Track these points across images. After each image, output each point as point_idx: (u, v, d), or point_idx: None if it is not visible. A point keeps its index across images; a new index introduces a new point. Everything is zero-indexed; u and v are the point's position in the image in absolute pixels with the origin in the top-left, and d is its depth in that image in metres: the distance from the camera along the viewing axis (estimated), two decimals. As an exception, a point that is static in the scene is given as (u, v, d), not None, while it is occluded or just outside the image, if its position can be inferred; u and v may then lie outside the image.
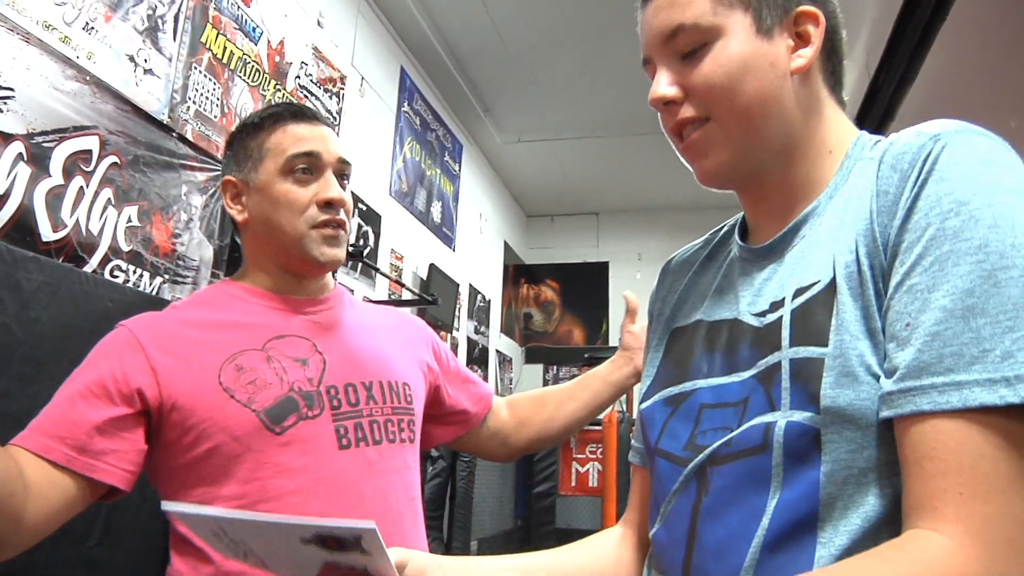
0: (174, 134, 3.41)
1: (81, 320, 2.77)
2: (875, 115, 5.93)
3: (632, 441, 0.99)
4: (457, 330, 7.41)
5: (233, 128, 1.37)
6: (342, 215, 1.31)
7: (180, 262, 3.41)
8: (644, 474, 0.96)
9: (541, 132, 7.89)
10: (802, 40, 0.84)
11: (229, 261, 3.71)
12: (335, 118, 4.91)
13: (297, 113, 1.34)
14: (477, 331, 8.23)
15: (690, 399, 0.82)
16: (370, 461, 1.23)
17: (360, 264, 4.86)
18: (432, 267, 6.57)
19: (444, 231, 7.09)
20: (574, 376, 9.20)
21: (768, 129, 0.82)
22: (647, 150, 8.29)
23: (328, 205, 1.28)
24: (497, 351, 9.02)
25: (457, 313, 7.28)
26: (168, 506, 0.73)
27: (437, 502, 6.27)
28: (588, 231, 10.61)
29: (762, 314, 0.78)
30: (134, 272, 3.14)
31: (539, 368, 10.46)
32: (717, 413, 0.77)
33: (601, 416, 9.65)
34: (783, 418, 0.69)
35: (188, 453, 1.21)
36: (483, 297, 8.44)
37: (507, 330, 9.57)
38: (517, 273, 10.13)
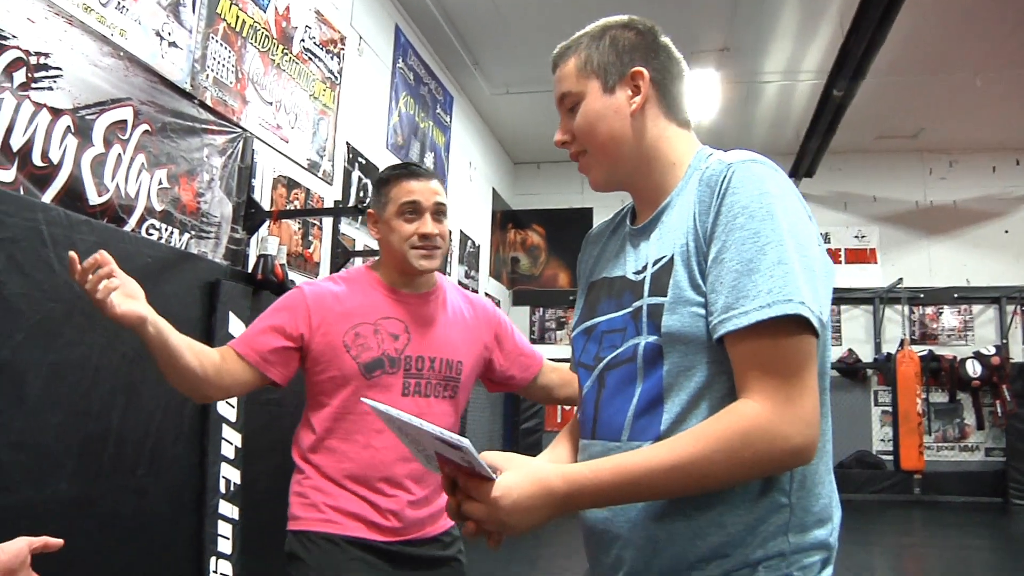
0: (196, 101, 3.72)
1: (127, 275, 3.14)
2: (846, 73, 6.24)
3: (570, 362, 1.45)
4: (449, 275, 7.78)
5: (376, 178, 2.05)
6: (436, 241, 1.92)
7: (204, 219, 3.76)
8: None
9: (528, 84, 8.17)
10: (636, 90, 1.20)
11: (246, 216, 4.06)
12: (337, 78, 5.21)
13: (413, 173, 1.96)
14: (468, 275, 8.61)
15: (596, 328, 1.23)
16: (419, 405, 1.89)
17: (360, 216, 5.19)
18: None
19: (436, 181, 7.40)
20: (559, 319, 9.64)
21: (621, 154, 1.21)
22: (630, 101, 8.56)
23: (424, 236, 1.90)
24: (486, 294, 9.40)
25: (449, 259, 7.65)
26: (368, 401, 1.20)
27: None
28: (573, 178, 10.89)
29: (637, 273, 1.18)
30: (166, 230, 3.48)
31: (526, 310, 10.88)
32: (608, 337, 1.19)
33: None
34: (643, 340, 1.11)
35: (318, 376, 1.90)
36: (473, 243, 8.80)
37: (495, 274, 9.95)
38: (504, 219, 10.46)
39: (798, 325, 0.99)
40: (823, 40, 7.01)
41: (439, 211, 1.94)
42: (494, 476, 1.03)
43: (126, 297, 1.56)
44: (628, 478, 1.01)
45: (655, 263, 1.15)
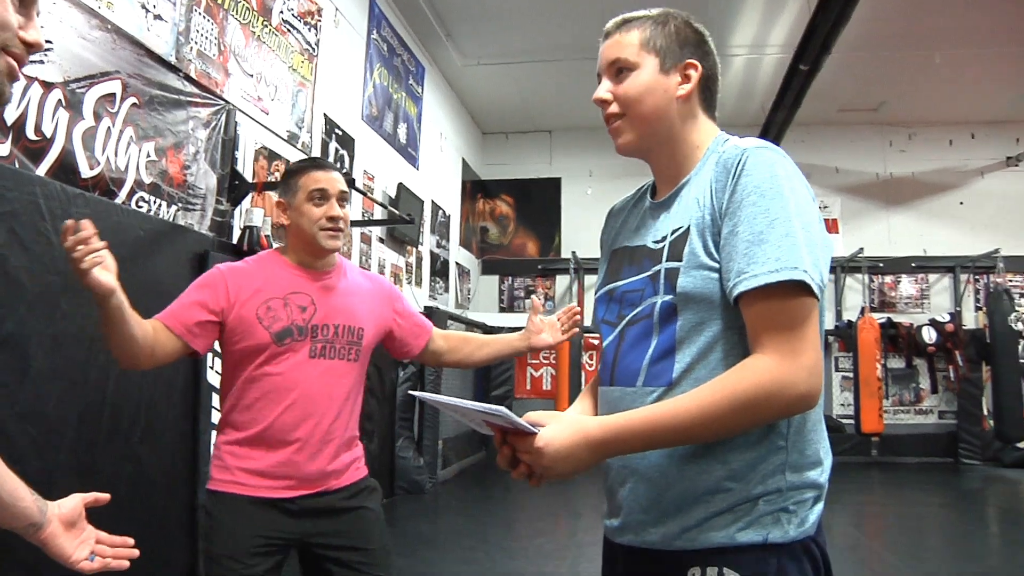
0: (181, 74, 3.74)
1: (119, 248, 3.13)
2: (813, 48, 6.38)
3: (592, 321, 1.60)
4: (421, 244, 7.85)
5: (285, 169, 2.29)
6: (340, 223, 2.16)
7: (190, 191, 3.80)
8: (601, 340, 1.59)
9: (499, 55, 8.22)
10: (687, 79, 1.33)
11: (230, 188, 4.11)
12: (314, 50, 5.23)
13: (319, 165, 2.21)
14: (439, 245, 8.68)
15: (618, 290, 1.36)
16: (325, 367, 2.12)
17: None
18: (400, 186, 6.97)
19: (409, 151, 7.46)
20: (528, 287, 9.77)
21: (657, 127, 1.34)
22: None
23: (330, 219, 2.13)
24: (456, 263, 9.49)
25: (421, 228, 7.72)
26: (415, 393, 1.39)
27: (408, 404, 6.81)
28: (541, 148, 10.99)
29: (657, 242, 1.31)
30: (154, 202, 3.52)
31: (495, 279, 10.98)
32: (629, 296, 1.33)
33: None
34: (660, 300, 1.25)
35: (235, 345, 2.09)
36: (444, 212, 8.86)
37: (465, 243, 10.03)
38: (474, 189, 10.52)
39: (801, 289, 1.14)
40: (790, 15, 7.15)
41: (343, 198, 2.19)
42: (535, 431, 1.18)
43: (103, 269, 1.71)
44: (657, 425, 1.15)
45: (673, 232, 1.28)
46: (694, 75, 1.33)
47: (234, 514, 2.03)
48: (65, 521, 1.27)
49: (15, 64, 0.93)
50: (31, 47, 0.94)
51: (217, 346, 2.17)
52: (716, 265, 1.21)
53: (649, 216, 1.39)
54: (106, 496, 1.36)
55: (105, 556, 1.31)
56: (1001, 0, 6.93)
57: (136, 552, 1.35)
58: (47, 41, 2.94)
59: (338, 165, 5.47)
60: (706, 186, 1.26)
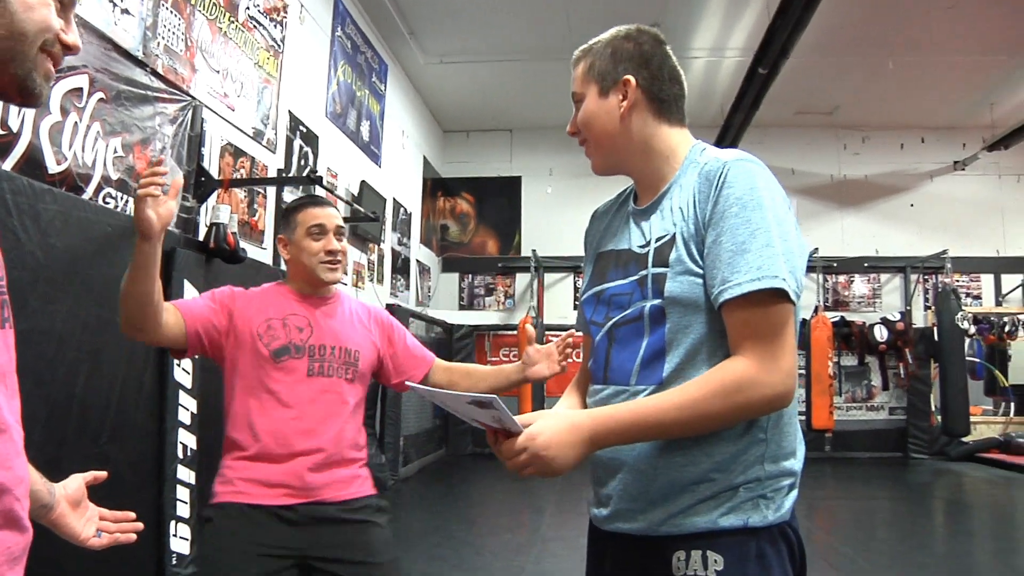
0: (148, 69, 3.71)
1: (88, 244, 3.15)
2: (771, 54, 6.52)
3: (580, 323, 1.57)
4: (383, 242, 7.84)
5: (285, 207, 2.41)
6: (338, 256, 2.28)
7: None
8: (587, 339, 1.54)
9: (461, 54, 8.24)
10: (623, 97, 1.40)
11: (196, 185, 4.08)
12: (280, 46, 5.21)
13: (316, 202, 2.34)
14: (400, 242, 8.68)
15: (605, 293, 1.42)
16: (323, 385, 2.17)
17: (313, 186, 5.23)
18: (363, 183, 6.96)
19: (372, 149, 7.45)
20: (488, 284, 9.79)
21: (613, 147, 1.42)
22: (559, 74, 8.68)
23: (329, 252, 2.25)
24: (417, 261, 9.49)
25: (383, 227, 7.71)
26: (414, 386, 1.42)
27: (369, 401, 6.80)
28: (502, 147, 11.03)
29: (641, 247, 1.37)
30: (122, 199, 3.49)
31: (455, 277, 10.99)
32: (616, 299, 1.38)
33: (515, 321, 10.35)
34: (648, 303, 1.31)
35: (236, 363, 2.18)
36: (405, 210, 8.85)
37: (426, 241, 10.03)
38: (435, 187, 10.51)
39: (780, 296, 1.22)
40: (749, 20, 7.29)
41: (340, 232, 2.31)
42: (521, 428, 1.23)
43: (155, 207, 1.80)
44: (644, 416, 1.23)
45: (658, 239, 1.35)
46: (629, 91, 1.39)
47: (234, 520, 2.06)
48: (71, 501, 1.31)
49: (52, 66, 0.95)
50: (69, 49, 0.97)
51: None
52: (701, 271, 1.27)
53: (632, 221, 1.45)
54: (103, 474, 1.40)
55: (111, 531, 1.35)
56: (952, 10, 7.14)
57: (140, 525, 1.40)
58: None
59: (307, 167, 5.46)
60: (689, 196, 1.32)
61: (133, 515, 1.39)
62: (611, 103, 1.40)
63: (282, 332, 2.18)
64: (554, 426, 1.22)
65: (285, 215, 2.37)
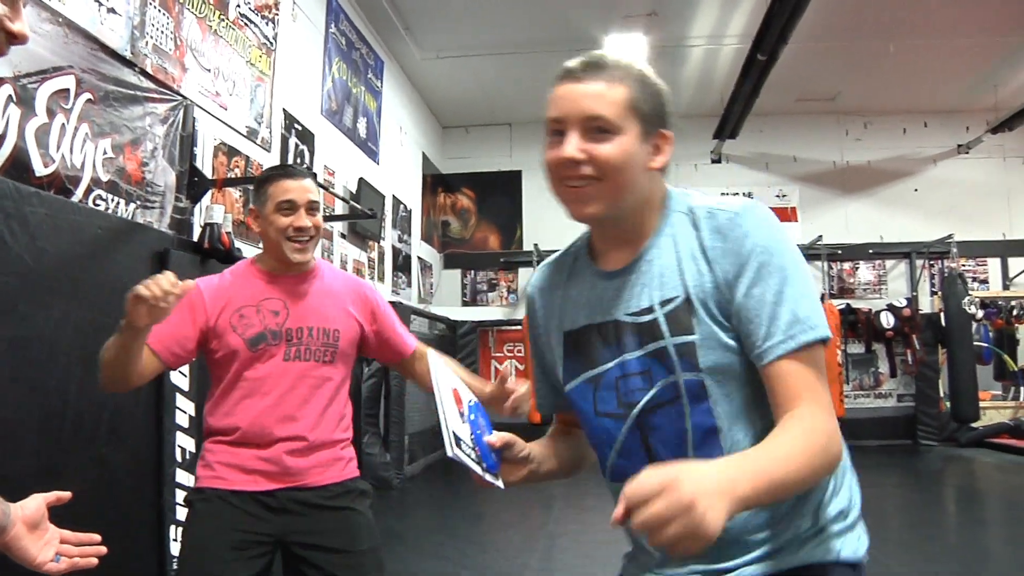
0: (136, 69, 3.66)
1: (78, 247, 3.11)
2: (770, 38, 6.45)
3: (547, 410, 1.48)
4: (383, 240, 7.80)
5: (257, 178, 2.29)
6: (309, 232, 2.15)
7: (149, 189, 3.73)
8: (562, 418, 1.47)
9: (458, 49, 8.19)
10: (657, 150, 1.24)
11: (189, 185, 4.03)
12: (272, 44, 5.16)
13: (289, 173, 2.20)
14: (400, 239, 8.63)
15: (605, 376, 1.26)
16: (300, 369, 2.13)
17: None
18: (361, 180, 6.91)
19: (369, 146, 7.40)
20: (491, 280, 9.76)
21: (628, 197, 1.22)
22: (556, 66, 8.63)
23: (297, 230, 2.13)
24: (419, 258, 9.45)
25: (383, 224, 7.67)
26: (437, 367, 1.32)
27: (373, 400, 6.77)
28: (501, 141, 10.98)
29: (635, 315, 1.23)
30: (112, 200, 3.45)
31: (457, 273, 10.96)
32: (626, 382, 1.23)
33: (519, 316, 10.30)
34: (681, 378, 1.18)
35: (215, 355, 2.14)
36: (405, 207, 8.81)
37: (427, 237, 9.99)
38: (435, 183, 10.47)
39: (820, 344, 1.15)
40: (747, 5, 7.21)
41: (312, 207, 2.18)
42: (497, 483, 1.21)
43: (154, 316, 1.80)
44: (781, 477, 1.04)
45: (664, 304, 1.21)
46: (666, 147, 1.25)
47: (213, 505, 2.05)
48: (28, 523, 1.24)
49: None
50: (15, 38, 0.91)
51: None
52: (730, 333, 1.17)
53: (604, 287, 1.29)
54: (67, 494, 1.33)
55: (71, 556, 1.28)
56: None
57: (103, 549, 1.32)
58: None
59: (304, 165, 5.42)
60: (694, 252, 1.21)
61: (98, 538, 1.32)
62: (644, 151, 1.21)
63: (256, 319, 2.12)
64: (695, 469, 0.92)
65: (256, 186, 2.25)
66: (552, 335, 1.38)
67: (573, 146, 1.20)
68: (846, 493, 1.26)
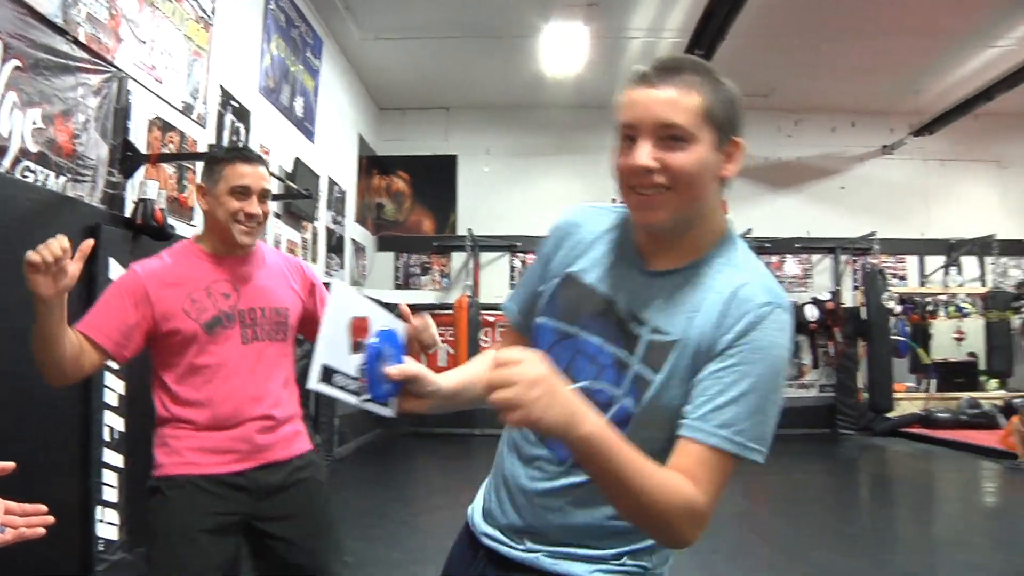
0: (69, 37, 3.54)
1: (5, 220, 3.01)
2: (708, 36, 6.57)
3: (512, 316, 1.45)
4: (317, 220, 7.71)
5: (208, 155, 2.23)
6: (259, 219, 2.17)
7: (80, 162, 3.62)
8: (516, 336, 1.44)
9: (398, 30, 8.12)
10: (728, 158, 1.22)
11: (122, 160, 3.93)
12: (210, 18, 5.04)
13: (246, 158, 2.19)
14: (335, 221, 8.54)
15: (573, 340, 1.28)
16: (258, 349, 2.15)
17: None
18: (297, 160, 6.81)
19: (306, 125, 7.29)
20: (424, 263, 9.70)
21: (697, 207, 1.21)
22: (496, 52, 8.68)
23: (248, 215, 2.15)
24: (352, 240, 9.36)
25: (317, 205, 7.58)
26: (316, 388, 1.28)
27: (303, 379, 6.69)
28: (438, 125, 10.92)
29: (630, 316, 1.24)
30: (42, 172, 3.34)
31: (391, 256, 10.88)
32: (582, 360, 1.26)
33: (451, 300, 10.30)
34: (620, 402, 1.22)
35: (166, 341, 2.10)
36: (339, 188, 8.71)
37: (361, 220, 9.89)
38: (370, 164, 10.37)
39: (740, 460, 1.16)
40: (687, 1, 7.31)
41: (264, 194, 2.20)
42: (383, 411, 1.28)
43: (52, 281, 1.76)
44: (629, 463, 1.09)
45: (655, 331, 1.22)
46: (738, 155, 1.23)
47: (186, 492, 2.05)
48: None
49: None
50: None
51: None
52: (684, 392, 1.19)
53: (632, 275, 1.28)
54: (10, 465, 1.30)
55: (16, 526, 1.26)
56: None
57: (51, 519, 1.30)
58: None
59: (240, 143, 5.33)
60: (712, 313, 1.19)
61: (44, 508, 1.30)
62: (717, 159, 1.19)
63: (209, 303, 2.12)
64: (562, 382, 1.05)
65: (209, 163, 2.23)
66: (556, 266, 1.37)
67: (646, 154, 1.17)
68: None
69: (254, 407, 2.11)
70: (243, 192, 2.14)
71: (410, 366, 1.30)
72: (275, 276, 2.28)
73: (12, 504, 1.27)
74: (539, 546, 1.30)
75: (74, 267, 1.75)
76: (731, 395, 1.14)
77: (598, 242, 1.35)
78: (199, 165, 4.90)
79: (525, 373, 1.02)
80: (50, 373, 1.91)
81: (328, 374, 1.22)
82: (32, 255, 1.68)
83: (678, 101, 1.16)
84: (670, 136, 1.16)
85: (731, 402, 1.14)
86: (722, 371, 1.15)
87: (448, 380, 1.38)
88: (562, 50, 8.27)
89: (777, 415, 1.18)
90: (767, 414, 1.16)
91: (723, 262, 1.24)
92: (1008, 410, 8.63)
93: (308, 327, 2.34)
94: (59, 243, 1.71)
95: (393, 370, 1.28)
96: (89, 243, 1.78)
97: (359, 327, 1.28)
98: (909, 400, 10.06)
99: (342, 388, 1.24)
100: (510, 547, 1.33)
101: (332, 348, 1.23)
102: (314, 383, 1.20)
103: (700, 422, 1.14)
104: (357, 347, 1.27)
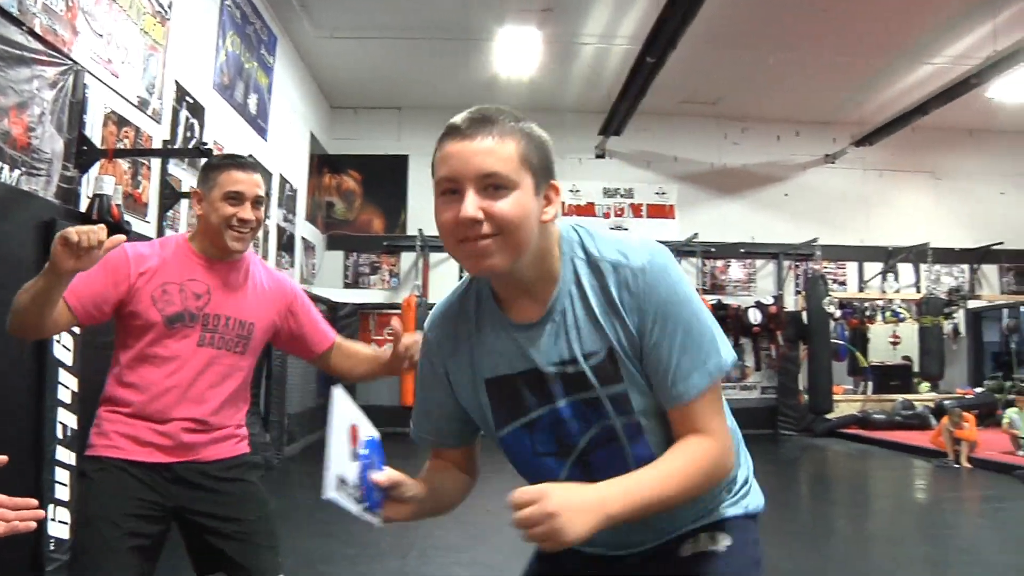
0: (24, 28, 3.51)
1: (-41, 212, 2.98)
2: (659, 44, 6.70)
3: (428, 442, 1.49)
4: (268, 218, 7.67)
5: (207, 162, 2.28)
6: (251, 224, 2.19)
7: (35, 155, 3.58)
8: (449, 452, 1.49)
9: (352, 29, 8.11)
10: (548, 202, 1.25)
11: (78, 154, 3.89)
12: (166, 13, 5.01)
13: (241, 165, 2.21)
14: (285, 219, 8.50)
15: (539, 421, 1.31)
16: (212, 355, 2.16)
17: (200, 159, 5.06)
18: (250, 157, 6.76)
19: (259, 122, 7.25)
20: (373, 263, 9.69)
21: (526, 250, 1.22)
22: (450, 54, 8.72)
23: (241, 221, 2.17)
24: (303, 238, 9.32)
25: (268, 202, 7.53)
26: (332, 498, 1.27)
27: (255, 380, 6.66)
28: (390, 125, 10.91)
29: (560, 364, 1.28)
30: (-2, 165, 3.30)
31: (340, 254, 10.84)
32: (563, 425, 1.30)
33: (400, 300, 10.31)
34: (618, 422, 1.27)
35: (129, 321, 2.12)
36: (291, 186, 8.67)
37: (311, 218, 9.84)
38: (321, 163, 10.32)
39: (719, 375, 1.27)
40: (639, 10, 7.46)
41: (258, 201, 2.23)
42: (373, 520, 1.26)
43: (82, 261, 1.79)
44: (654, 498, 1.20)
45: (587, 357, 1.27)
46: (555, 199, 1.27)
47: (110, 475, 2.06)
48: None
49: None
50: None
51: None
52: (647, 378, 1.27)
53: (520, 338, 1.32)
54: (3, 458, 1.29)
55: (9, 520, 1.25)
56: (825, 12, 7.53)
57: (42, 513, 1.30)
58: None
59: (193, 140, 5.28)
60: (607, 309, 1.26)
61: (35, 502, 1.29)
62: (538, 204, 1.23)
63: (178, 298, 2.15)
64: (568, 489, 1.15)
65: (205, 170, 2.26)
66: (469, 384, 1.39)
67: (473, 205, 1.18)
68: (745, 464, 1.45)
69: (188, 408, 2.12)
70: (236, 198, 2.16)
71: (393, 473, 1.31)
72: (255, 290, 2.30)
73: (3, 497, 1.27)
74: (639, 549, 1.40)
75: (99, 255, 1.78)
76: (675, 352, 1.23)
77: (478, 335, 1.37)
78: (154, 161, 4.87)
79: (543, 509, 1.10)
80: (23, 330, 1.95)
81: (341, 484, 1.23)
82: (71, 233, 1.70)
83: (495, 150, 1.18)
84: (492, 185, 1.18)
85: (678, 356, 1.23)
86: (655, 344, 1.24)
87: (419, 486, 1.39)
88: (516, 53, 8.35)
89: (705, 314, 1.26)
90: (703, 329, 1.25)
91: (576, 267, 1.29)
92: (939, 411, 8.97)
93: (290, 345, 2.40)
94: (98, 235, 1.74)
95: (381, 477, 1.28)
96: (120, 238, 1.82)
97: (354, 435, 1.31)
98: (847, 402, 10.38)
99: (349, 496, 1.25)
100: (615, 555, 1.42)
101: (339, 457, 1.25)
102: (331, 492, 1.19)
103: (671, 389, 1.24)
104: (353, 455, 1.29)
